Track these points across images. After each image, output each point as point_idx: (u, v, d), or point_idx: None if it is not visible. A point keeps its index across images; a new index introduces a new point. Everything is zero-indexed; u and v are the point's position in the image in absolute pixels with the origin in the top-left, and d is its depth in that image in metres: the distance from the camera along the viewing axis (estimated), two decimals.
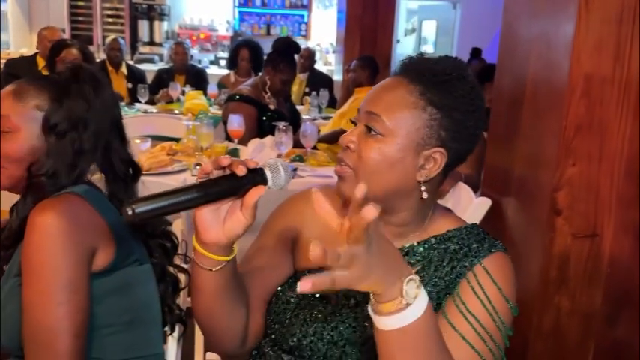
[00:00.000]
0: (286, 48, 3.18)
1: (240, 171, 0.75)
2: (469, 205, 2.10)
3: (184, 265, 1.24)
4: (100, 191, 1.05)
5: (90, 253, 0.93)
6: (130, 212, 0.69)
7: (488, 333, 0.85)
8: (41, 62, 4.00)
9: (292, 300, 0.95)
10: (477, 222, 1.99)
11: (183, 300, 1.40)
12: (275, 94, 3.16)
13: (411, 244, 0.95)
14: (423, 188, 0.89)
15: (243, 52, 4.53)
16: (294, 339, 0.92)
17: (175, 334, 1.30)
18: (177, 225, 2.24)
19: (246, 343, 0.97)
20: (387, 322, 0.71)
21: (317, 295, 0.94)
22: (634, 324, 1.70)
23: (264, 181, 0.77)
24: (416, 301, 0.70)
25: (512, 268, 0.92)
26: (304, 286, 0.62)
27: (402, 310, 0.70)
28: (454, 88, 0.88)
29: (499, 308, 0.86)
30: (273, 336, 0.96)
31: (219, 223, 0.79)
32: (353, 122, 0.93)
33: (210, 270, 0.83)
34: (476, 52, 5.92)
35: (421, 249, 0.94)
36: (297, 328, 0.92)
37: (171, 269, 1.18)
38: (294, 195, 1.06)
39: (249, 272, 0.97)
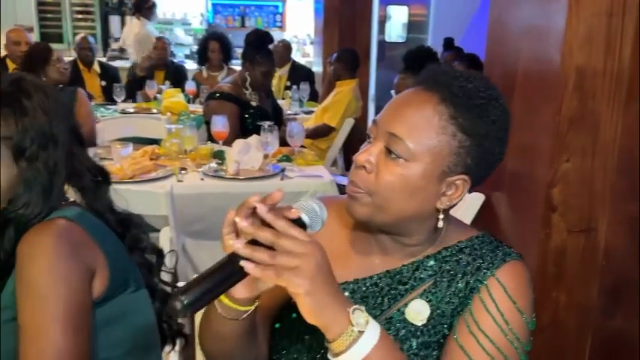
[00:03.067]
0: (259, 40, 3.09)
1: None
2: (462, 200, 2.08)
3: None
4: (92, 214, 0.99)
5: (91, 274, 0.88)
6: (179, 306, 0.64)
7: (502, 354, 0.80)
8: (11, 65, 3.86)
9: (296, 323, 0.89)
10: (471, 217, 2.00)
11: None
12: (257, 89, 3.09)
13: (420, 258, 0.90)
14: (440, 217, 0.84)
15: (213, 45, 4.43)
16: None
17: (176, 347, 1.26)
18: (165, 232, 2.19)
19: None
20: None
21: None
22: (631, 316, 1.71)
23: (302, 226, 0.73)
24: (368, 328, 0.70)
25: (529, 277, 0.87)
26: (248, 265, 0.66)
27: (355, 342, 0.69)
28: (486, 113, 0.81)
29: (513, 324, 0.81)
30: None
31: (253, 280, 0.74)
32: (367, 135, 0.86)
33: (236, 320, 0.79)
34: (449, 43, 5.73)
35: (432, 262, 0.89)
36: (304, 354, 0.89)
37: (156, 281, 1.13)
38: None
39: None
